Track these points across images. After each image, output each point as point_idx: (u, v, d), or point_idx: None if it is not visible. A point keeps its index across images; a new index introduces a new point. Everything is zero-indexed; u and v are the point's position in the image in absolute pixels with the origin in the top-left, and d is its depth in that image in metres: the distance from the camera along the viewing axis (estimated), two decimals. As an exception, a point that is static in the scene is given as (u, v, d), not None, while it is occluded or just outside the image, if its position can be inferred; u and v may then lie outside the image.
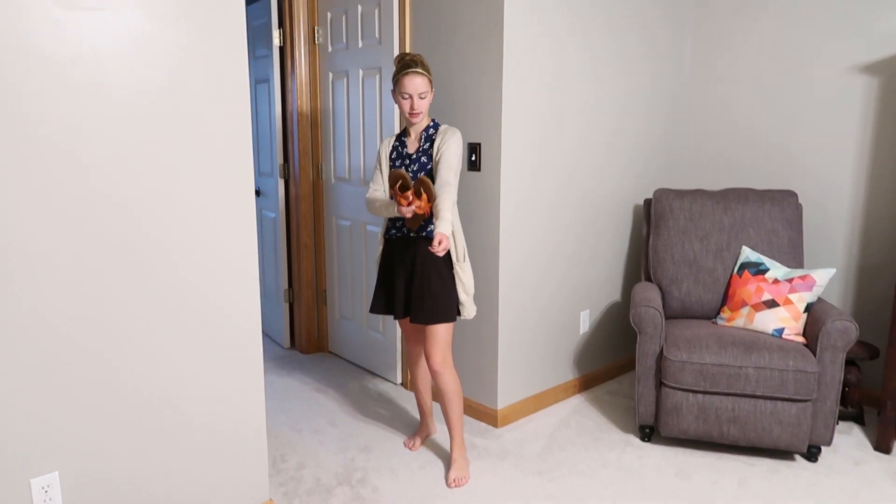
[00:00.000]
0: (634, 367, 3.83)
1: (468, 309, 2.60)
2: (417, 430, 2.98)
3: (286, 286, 4.15)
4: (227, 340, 2.16)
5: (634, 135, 3.57)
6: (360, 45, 3.50)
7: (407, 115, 2.54)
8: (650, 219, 3.39)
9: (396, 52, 3.29)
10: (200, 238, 2.05)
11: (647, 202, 3.47)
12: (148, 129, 1.91)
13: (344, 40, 3.60)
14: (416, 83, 2.48)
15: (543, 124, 3.06)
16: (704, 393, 2.76)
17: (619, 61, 3.39)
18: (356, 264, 3.77)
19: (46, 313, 1.79)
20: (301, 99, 3.83)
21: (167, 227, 1.98)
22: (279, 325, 4.27)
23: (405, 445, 2.93)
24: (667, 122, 3.77)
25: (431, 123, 2.60)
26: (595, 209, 3.43)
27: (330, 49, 3.72)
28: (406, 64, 2.50)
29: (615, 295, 3.67)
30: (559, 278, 3.30)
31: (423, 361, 2.83)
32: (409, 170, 2.58)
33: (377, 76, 3.42)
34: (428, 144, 2.59)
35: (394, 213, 2.51)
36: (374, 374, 3.79)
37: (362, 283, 3.74)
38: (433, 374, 2.63)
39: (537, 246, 3.16)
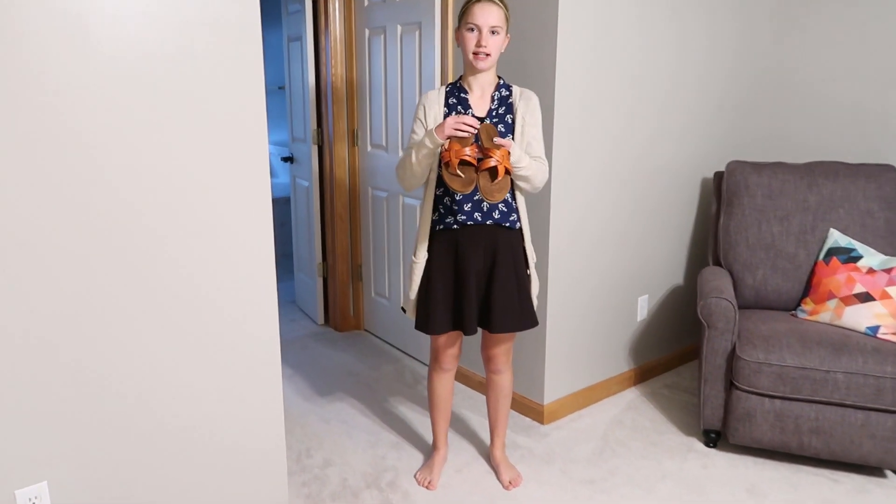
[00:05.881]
0: (694, 358, 3.49)
1: None
2: (432, 460, 2.45)
3: (320, 259, 3.91)
4: (240, 343, 1.91)
5: (701, 98, 3.16)
6: (399, -3, 3.16)
7: (470, 54, 2.02)
8: (721, 195, 3.00)
9: (438, 5, 2.94)
10: (206, 226, 1.79)
11: (718, 176, 3.07)
12: (143, 96, 1.64)
13: (381, -8, 3.26)
14: (487, 13, 1.98)
15: (593, 84, 2.68)
16: (783, 399, 2.41)
17: (670, 10, 2.97)
18: (393, 239, 3.49)
19: (33, 313, 1.56)
20: (335, 58, 3.52)
21: (169, 219, 1.72)
22: (313, 300, 4.05)
23: (419, 482, 2.39)
24: (741, 85, 3.34)
25: (502, 82, 2.15)
26: (657, 182, 3.05)
27: (366, 2, 3.38)
28: None
29: (677, 279, 3.30)
30: (615, 260, 2.96)
31: (452, 372, 2.37)
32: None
33: (416, 32, 3.08)
34: (503, 109, 2.13)
35: (426, 169, 2.08)
36: (409, 356, 3.54)
37: (399, 260, 3.47)
38: (497, 373, 2.35)
39: (592, 223, 2.81)
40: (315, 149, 3.76)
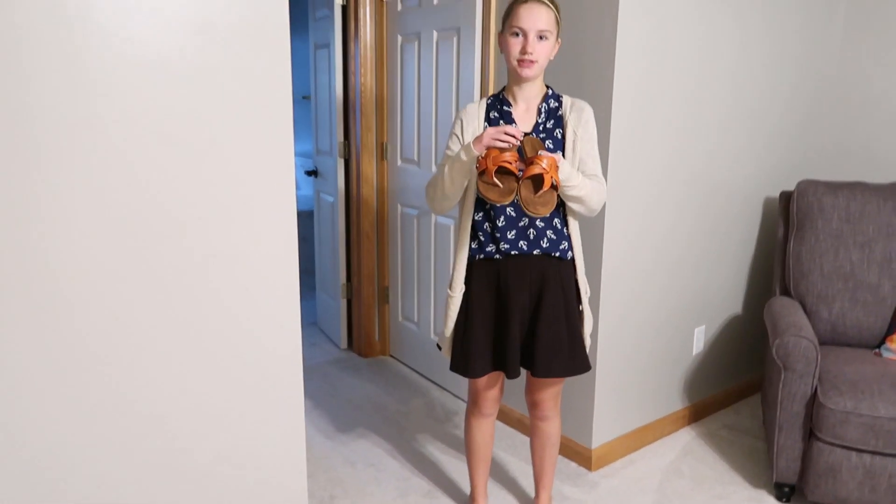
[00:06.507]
0: (753, 393, 3.19)
1: None
2: None
3: (344, 280, 3.67)
4: (258, 371, 1.67)
5: (765, 109, 2.88)
6: (436, 1, 2.92)
7: (514, 60, 1.79)
8: (790, 217, 2.71)
9: (479, 9, 2.70)
10: (227, 241, 1.56)
11: (786, 196, 2.78)
12: (161, 105, 1.41)
13: (415, -4, 3.03)
14: (535, 15, 1.75)
15: (648, 94, 2.41)
16: (874, 454, 2.11)
17: (732, 15, 2.70)
18: (423, 260, 3.24)
19: (44, 328, 1.33)
20: (365, 66, 3.30)
21: (190, 231, 1.49)
22: (336, 322, 3.80)
23: None
24: (809, 95, 3.05)
25: (550, 92, 1.90)
26: (715, 202, 2.77)
27: (399, 7, 3.15)
28: None
29: (736, 308, 3.01)
30: (670, 288, 2.68)
31: (493, 417, 2.12)
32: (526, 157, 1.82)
33: (454, 39, 2.84)
34: (552, 122, 1.88)
35: (463, 180, 1.82)
36: (440, 388, 3.27)
37: (429, 283, 3.21)
38: (543, 419, 2.07)
39: (646, 248, 2.54)
40: (341, 162, 3.53)
